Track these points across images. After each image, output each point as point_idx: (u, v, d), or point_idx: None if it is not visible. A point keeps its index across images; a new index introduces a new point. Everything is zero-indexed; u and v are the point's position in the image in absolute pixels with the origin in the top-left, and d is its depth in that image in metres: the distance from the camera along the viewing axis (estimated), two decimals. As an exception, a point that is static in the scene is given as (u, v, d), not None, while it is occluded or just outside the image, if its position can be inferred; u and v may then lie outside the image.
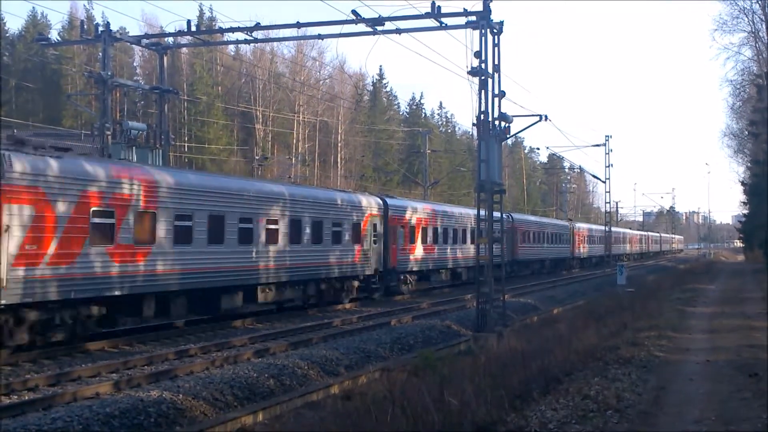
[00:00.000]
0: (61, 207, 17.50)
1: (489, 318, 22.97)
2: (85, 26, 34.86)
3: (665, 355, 15.05)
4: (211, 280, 22.58)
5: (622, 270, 39.59)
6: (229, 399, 14.55)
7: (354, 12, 24.39)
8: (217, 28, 38.15)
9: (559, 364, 13.28)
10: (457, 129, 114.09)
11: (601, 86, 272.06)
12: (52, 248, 17.19)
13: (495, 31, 23.55)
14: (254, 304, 25.33)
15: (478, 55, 23.17)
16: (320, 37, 28.37)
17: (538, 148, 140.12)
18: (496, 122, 23.68)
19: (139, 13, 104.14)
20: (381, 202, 32.81)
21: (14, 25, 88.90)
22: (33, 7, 73.07)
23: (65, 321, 17.91)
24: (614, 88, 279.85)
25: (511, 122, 24.66)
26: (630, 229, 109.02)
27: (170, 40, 33.59)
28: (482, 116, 23.35)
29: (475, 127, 24.58)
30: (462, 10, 23.66)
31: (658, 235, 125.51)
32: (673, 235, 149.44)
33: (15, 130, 44.64)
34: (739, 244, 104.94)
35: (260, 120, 72.29)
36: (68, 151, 19.83)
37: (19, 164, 16.53)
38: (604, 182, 63.58)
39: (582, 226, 71.99)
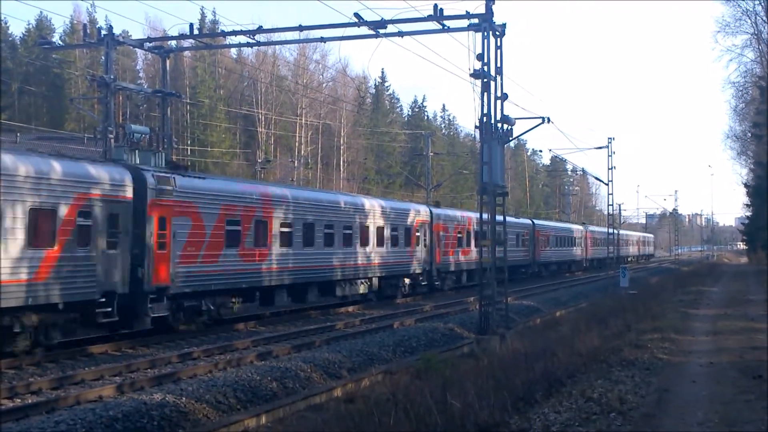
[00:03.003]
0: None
1: (492, 320, 22.94)
2: (88, 30, 34.92)
3: (668, 357, 15.04)
4: None
5: (625, 272, 39.69)
6: (232, 402, 14.56)
7: (356, 15, 24.38)
8: (219, 31, 38.17)
9: (562, 367, 13.28)
10: (459, 131, 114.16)
11: (603, 88, 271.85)
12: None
13: (497, 33, 23.53)
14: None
15: (480, 57, 23.15)
16: (323, 40, 28.31)
17: (540, 151, 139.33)
18: (499, 125, 23.67)
19: (142, 17, 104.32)
20: (131, 176, 20.27)
21: (17, 29, 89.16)
22: (40, 11, 73.06)
23: None
24: (617, 90, 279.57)
25: (513, 125, 24.66)
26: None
27: (173, 43, 33.61)
28: (485, 119, 23.33)
29: (477, 130, 24.56)
30: (464, 13, 23.62)
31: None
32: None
33: (18, 134, 44.80)
34: (742, 246, 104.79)
35: (263, 123, 72.29)
36: None
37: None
38: (607, 184, 63.41)
39: (548, 225, 63.32)
